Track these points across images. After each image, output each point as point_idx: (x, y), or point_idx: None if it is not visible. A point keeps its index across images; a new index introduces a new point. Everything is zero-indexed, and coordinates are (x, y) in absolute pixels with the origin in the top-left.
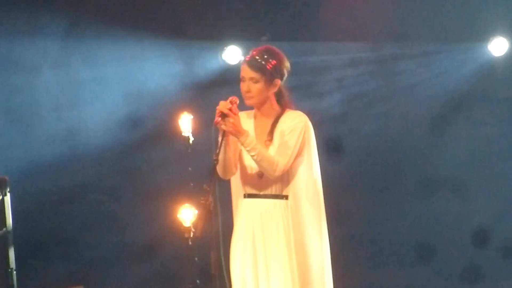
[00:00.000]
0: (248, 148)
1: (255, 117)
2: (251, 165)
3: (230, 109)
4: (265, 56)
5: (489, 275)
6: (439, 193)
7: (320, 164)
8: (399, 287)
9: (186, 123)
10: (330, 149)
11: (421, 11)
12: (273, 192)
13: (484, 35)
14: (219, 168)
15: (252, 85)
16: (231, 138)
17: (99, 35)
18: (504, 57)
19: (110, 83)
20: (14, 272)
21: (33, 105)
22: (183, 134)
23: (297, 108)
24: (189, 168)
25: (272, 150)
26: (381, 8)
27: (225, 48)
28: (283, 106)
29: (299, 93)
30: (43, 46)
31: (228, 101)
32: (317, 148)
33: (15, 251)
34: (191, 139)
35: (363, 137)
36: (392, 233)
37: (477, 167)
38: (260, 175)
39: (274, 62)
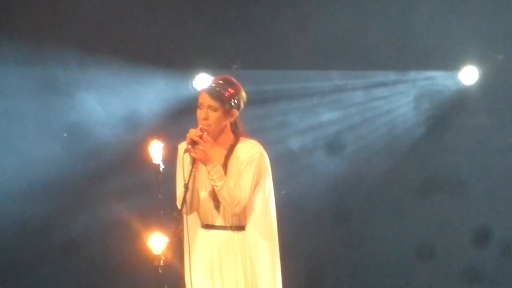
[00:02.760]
0: (214, 177)
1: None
2: (207, 196)
3: (200, 137)
4: (224, 86)
5: (489, 275)
6: (439, 193)
7: (321, 165)
8: (400, 287)
9: (156, 151)
10: (330, 150)
11: (392, 39)
12: (230, 223)
13: (454, 64)
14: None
15: (210, 113)
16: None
17: (62, 62)
18: (475, 85)
19: (81, 111)
20: None
21: (8, 131)
22: (153, 161)
23: (254, 137)
24: (159, 196)
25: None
26: (352, 37)
27: (195, 75)
28: (237, 135)
29: (269, 119)
30: None
31: (198, 128)
32: (318, 149)
33: None
34: (162, 167)
35: (362, 139)
36: (392, 233)
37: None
38: (217, 206)
39: (232, 91)
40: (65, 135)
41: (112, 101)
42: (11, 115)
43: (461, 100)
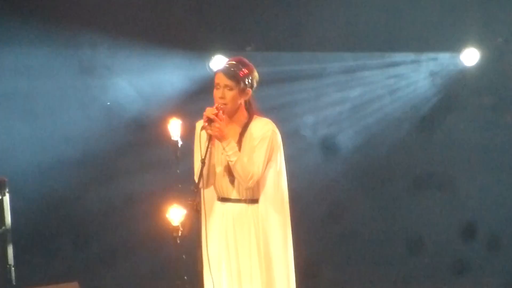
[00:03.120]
0: (229, 153)
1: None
2: (223, 171)
3: (216, 115)
4: (239, 66)
5: (476, 268)
6: (428, 190)
7: (316, 163)
8: (390, 281)
9: (175, 128)
10: (324, 148)
11: (396, 21)
12: (244, 197)
13: (455, 46)
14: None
15: (226, 92)
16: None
17: (90, 45)
18: (475, 67)
19: (101, 90)
20: (13, 268)
21: (32, 109)
22: (172, 138)
23: (269, 115)
24: (178, 171)
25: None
26: (359, 18)
27: (212, 57)
28: (251, 114)
29: (282, 100)
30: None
31: (215, 107)
32: (315, 148)
33: (13, 248)
34: (180, 143)
35: (355, 137)
36: (383, 229)
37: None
38: (232, 180)
39: (246, 71)
40: (108, 103)
41: (136, 82)
42: (54, 93)
43: (461, 81)
